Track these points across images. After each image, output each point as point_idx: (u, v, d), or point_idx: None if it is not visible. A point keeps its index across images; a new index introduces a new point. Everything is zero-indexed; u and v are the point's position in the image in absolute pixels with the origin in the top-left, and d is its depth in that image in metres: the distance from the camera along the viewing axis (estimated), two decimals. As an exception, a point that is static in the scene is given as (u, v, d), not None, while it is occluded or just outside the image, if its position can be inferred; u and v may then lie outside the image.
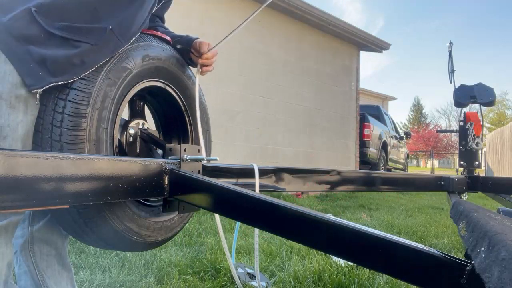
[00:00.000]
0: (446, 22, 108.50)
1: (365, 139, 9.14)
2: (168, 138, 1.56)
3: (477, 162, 2.68)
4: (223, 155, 4.81)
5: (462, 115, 2.81)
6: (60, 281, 1.27)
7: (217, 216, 1.49)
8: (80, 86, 1.09)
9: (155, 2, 1.29)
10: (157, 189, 1.16)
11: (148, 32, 1.34)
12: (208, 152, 1.49)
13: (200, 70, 1.52)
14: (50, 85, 1.01)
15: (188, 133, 1.52)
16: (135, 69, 1.24)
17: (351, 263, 2.48)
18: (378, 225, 4.44)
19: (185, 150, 1.30)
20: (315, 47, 7.89)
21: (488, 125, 41.92)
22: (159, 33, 1.38)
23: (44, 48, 1.00)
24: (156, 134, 1.47)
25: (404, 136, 12.81)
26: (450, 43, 2.98)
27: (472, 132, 2.70)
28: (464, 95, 2.80)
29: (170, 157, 1.26)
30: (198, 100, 1.49)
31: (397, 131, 12.31)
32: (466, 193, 2.46)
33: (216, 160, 1.38)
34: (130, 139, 1.24)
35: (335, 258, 2.63)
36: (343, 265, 2.52)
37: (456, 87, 2.86)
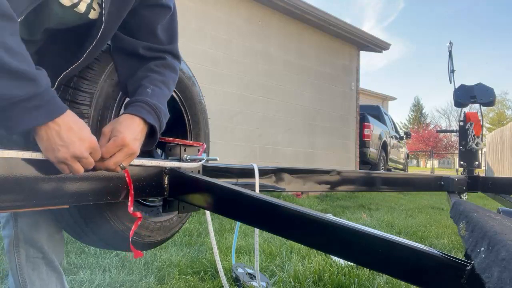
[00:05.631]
0: (446, 21, 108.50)
1: (365, 139, 9.14)
2: (167, 138, 1.56)
3: (477, 162, 2.68)
4: (223, 155, 4.81)
5: (462, 115, 2.82)
6: (48, 283, 1.24)
7: (207, 214, 1.49)
8: (82, 87, 1.09)
9: None
10: (157, 189, 1.16)
11: None
12: (207, 152, 1.49)
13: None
14: None
15: (187, 133, 1.52)
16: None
17: (351, 263, 2.48)
18: (378, 225, 4.44)
19: (185, 150, 1.30)
20: (315, 47, 7.89)
21: (488, 125, 41.92)
22: None
23: None
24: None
25: (404, 136, 12.80)
26: (450, 43, 2.98)
27: (472, 132, 2.70)
28: (464, 95, 2.81)
29: (170, 157, 1.26)
30: None
31: (397, 131, 12.31)
32: (466, 193, 2.46)
33: (216, 160, 1.39)
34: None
35: (335, 258, 2.63)
36: (343, 265, 2.52)
37: (456, 87, 2.86)
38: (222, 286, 2.22)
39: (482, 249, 0.68)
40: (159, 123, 1.04)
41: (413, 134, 37.31)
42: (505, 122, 37.15)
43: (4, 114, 0.75)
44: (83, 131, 0.86)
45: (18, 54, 0.75)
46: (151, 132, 1.03)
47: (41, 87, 0.78)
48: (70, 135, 0.82)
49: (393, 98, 26.05)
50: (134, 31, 1.11)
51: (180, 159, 1.28)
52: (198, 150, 1.35)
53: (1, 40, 0.73)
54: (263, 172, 1.57)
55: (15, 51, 0.75)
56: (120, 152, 0.93)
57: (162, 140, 1.29)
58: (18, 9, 0.84)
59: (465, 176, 2.54)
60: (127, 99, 1.26)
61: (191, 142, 1.35)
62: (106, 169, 0.94)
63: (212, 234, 1.48)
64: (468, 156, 2.70)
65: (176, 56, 1.19)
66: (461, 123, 2.79)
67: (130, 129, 0.96)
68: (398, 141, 11.99)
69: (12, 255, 1.19)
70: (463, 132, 2.76)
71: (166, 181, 1.18)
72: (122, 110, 1.22)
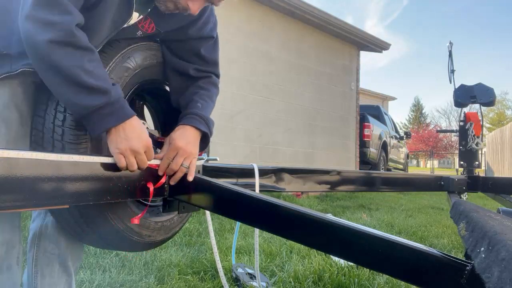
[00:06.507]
0: (446, 21, 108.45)
1: (365, 139, 9.13)
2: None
3: (477, 162, 2.68)
4: (223, 155, 4.80)
5: (462, 115, 2.81)
6: (57, 283, 1.27)
7: (207, 214, 1.49)
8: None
9: None
10: (157, 189, 1.16)
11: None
12: (207, 152, 1.49)
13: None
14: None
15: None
16: (136, 69, 1.24)
17: (351, 263, 2.48)
18: (378, 225, 4.44)
19: (185, 150, 1.30)
20: (315, 47, 7.89)
21: (488, 125, 41.88)
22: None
23: None
24: (156, 134, 1.47)
25: (404, 136, 12.80)
26: (450, 43, 2.98)
27: (472, 132, 2.70)
28: (464, 95, 2.81)
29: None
30: None
31: (397, 131, 12.30)
32: (466, 193, 2.46)
33: (216, 160, 1.39)
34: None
35: (335, 258, 2.63)
36: (343, 265, 2.52)
37: (456, 87, 2.86)
38: (222, 286, 2.22)
39: (482, 249, 0.68)
40: (209, 130, 1.28)
41: (413, 134, 37.24)
42: (505, 122, 37.11)
43: (87, 120, 1.00)
44: (143, 133, 1.06)
45: (94, 74, 0.99)
46: (203, 137, 1.27)
47: (112, 98, 1.00)
48: (132, 133, 1.03)
49: (393, 98, 26.04)
50: (183, 56, 1.35)
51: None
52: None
53: (80, 64, 0.98)
54: (263, 172, 1.57)
55: (92, 72, 0.99)
56: (177, 156, 1.16)
57: (162, 140, 1.29)
58: (99, 39, 1.13)
59: (465, 176, 2.54)
60: (129, 96, 1.27)
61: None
62: (173, 172, 1.15)
63: (212, 234, 1.48)
64: (468, 156, 2.70)
65: (218, 76, 1.45)
66: (461, 123, 2.79)
67: (182, 136, 1.20)
68: (398, 141, 11.99)
69: (32, 247, 1.28)
70: (463, 132, 2.76)
71: (166, 181, 1.18)
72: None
